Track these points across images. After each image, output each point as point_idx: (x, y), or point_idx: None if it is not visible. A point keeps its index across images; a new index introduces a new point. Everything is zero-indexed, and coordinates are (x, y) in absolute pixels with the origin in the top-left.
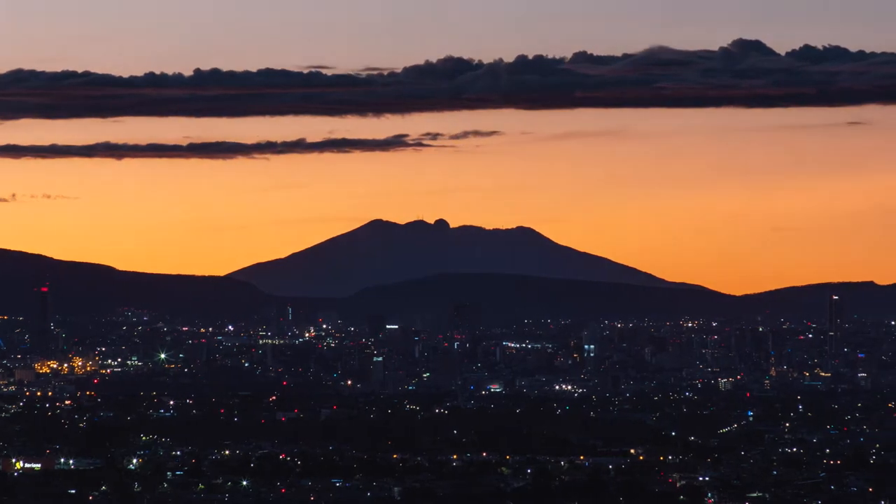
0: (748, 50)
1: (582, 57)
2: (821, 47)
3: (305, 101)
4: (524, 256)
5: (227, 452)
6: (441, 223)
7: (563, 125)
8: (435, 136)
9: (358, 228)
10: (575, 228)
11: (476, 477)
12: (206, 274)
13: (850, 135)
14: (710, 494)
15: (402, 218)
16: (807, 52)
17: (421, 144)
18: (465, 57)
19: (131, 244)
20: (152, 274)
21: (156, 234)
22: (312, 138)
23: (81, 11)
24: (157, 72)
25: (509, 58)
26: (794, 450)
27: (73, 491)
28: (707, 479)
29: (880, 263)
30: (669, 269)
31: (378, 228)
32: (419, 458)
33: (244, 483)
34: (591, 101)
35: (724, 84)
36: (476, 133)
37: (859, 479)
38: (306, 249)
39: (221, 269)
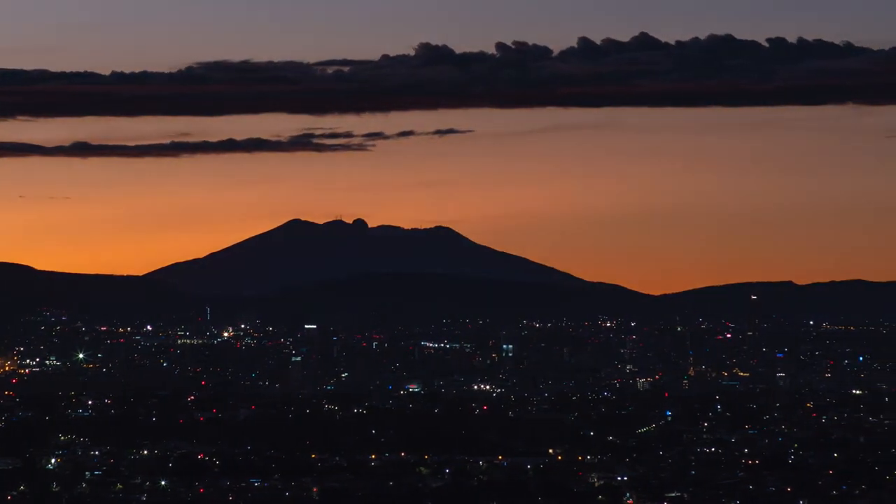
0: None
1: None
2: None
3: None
4: (442, 256)
5: (145, 452)
6: (359, 223)
7: (484, 125)
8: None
9: (275, 228)
10: (492, 228)
11: (394, 477)
12: (125, 273)
13: (767, 133)
14: (628, 494)
15: (319, 217)
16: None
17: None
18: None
19: (51, 243)
20: (71, 273)
21: (75, 233)
22: (273, 136)
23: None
24: (136, 70)
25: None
26: (713, 450)
27: None
28: (625, 478)
29: (799, 263)
30: (587, 268)
31: (296, 228)
32: (337, 458)
33: (163, 483)
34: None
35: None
36: (399, 134)
37: (777, 478)
38: (224, 249)
39: (140, 268)
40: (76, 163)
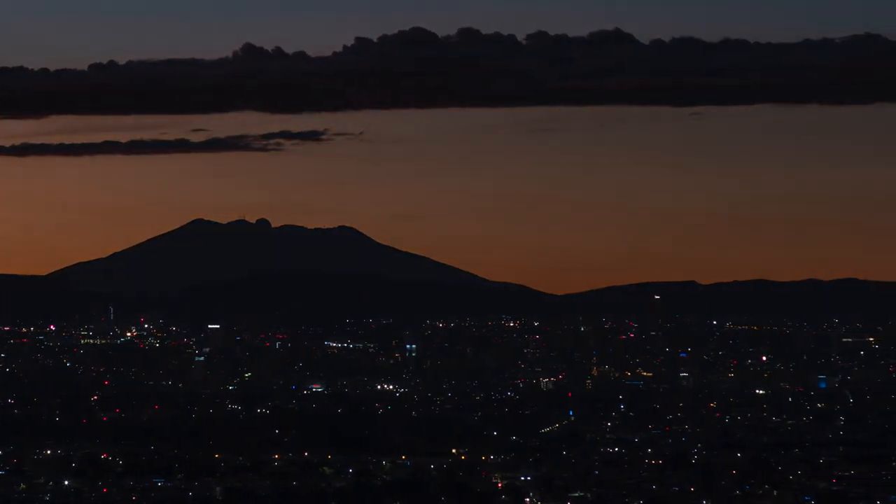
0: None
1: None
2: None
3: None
4: (345, 255)
5: (48, 452)
6: (262, 223)
7: (388, 126)
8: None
9: (178, 228)
10: (396, 228)
11: (298, 477)
12: (28, 273)
13: (684, 131)
14: (531, 494)
15: (223, 217)
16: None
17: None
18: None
19: None
20: None
21: None
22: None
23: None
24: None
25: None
26: (616, 449)
27: None
28: (529, 478)
29: (702, 263)
30: (490, 268)
31: (199, 228)
32: (241, 458)
33: (66, 483)
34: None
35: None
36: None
37: (680, 478)
38: (127, 248)
39: (43, 268)
40: (25, 162)
